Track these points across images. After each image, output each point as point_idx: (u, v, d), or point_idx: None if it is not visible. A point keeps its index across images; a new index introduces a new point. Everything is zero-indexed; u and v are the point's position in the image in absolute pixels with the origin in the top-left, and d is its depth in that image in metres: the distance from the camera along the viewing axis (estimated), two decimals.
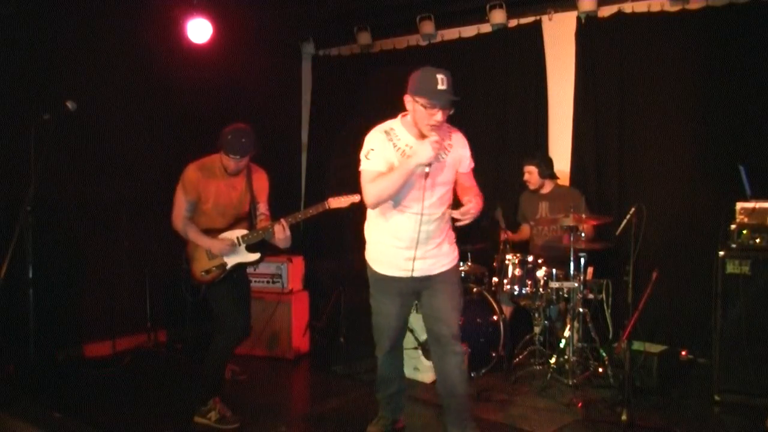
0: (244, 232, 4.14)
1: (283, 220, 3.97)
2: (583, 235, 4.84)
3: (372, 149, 3.32)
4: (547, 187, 5.42)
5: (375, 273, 3.57)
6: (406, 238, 3.37)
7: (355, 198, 3.94)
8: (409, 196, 3.32)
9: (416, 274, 3.41)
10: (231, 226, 4.16)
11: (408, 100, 3.24)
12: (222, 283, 4.11)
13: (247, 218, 4.23)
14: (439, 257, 3.49)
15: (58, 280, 5.20)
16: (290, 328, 5.53)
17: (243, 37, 6.40)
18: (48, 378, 4.78)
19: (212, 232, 4.11)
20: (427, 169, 3.17)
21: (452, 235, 3.61)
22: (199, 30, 5.66)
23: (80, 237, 5.49)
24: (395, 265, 3.46)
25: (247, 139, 3.99)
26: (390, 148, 3.30)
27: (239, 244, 4.11)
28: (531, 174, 5.38)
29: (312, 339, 5.85)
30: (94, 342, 5.49)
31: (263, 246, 4.17)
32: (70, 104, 4.13)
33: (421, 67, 3.22)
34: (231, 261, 4.12)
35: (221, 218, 4.14)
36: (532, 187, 5.43)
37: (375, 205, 3.37)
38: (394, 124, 3.39)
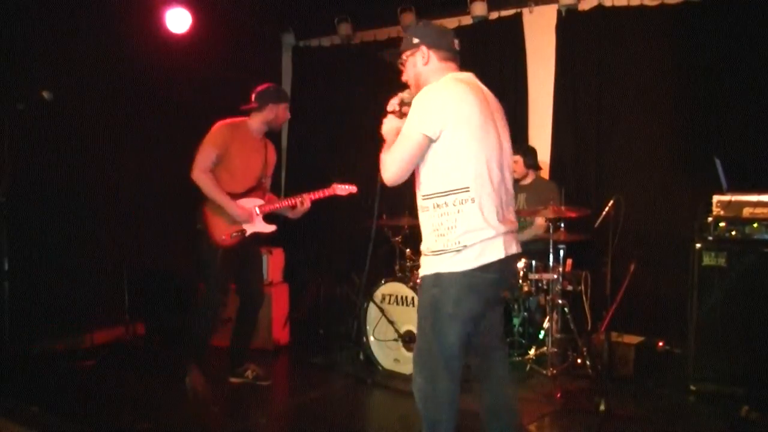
0: (260, 202, 4.34)
1: (305, 195, 4.30)
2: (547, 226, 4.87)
3: None
4: (529, 179, 5.44)
5: None
6: None
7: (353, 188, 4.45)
8: None
9: None
10: (247, 193, 4.31)
11: None
12: (232, 251, 4.23)
13: (261, 188, 4.41)
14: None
15: (35, 272, 5.12)
16: (270, 320, 5.51)
17: (222, 27, 6.33)
18: (24, 372, 4.72)
19: (230, 197, 4.24)
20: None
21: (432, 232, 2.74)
22: (178, 20, 5.61)
23: (57, 229, 5.40)
24: None
25: None
26: None
27: (257, 214, 4.31)
28: (516, 163, 5.36)
29: (292, 331, 5.84)
30: (71, 335, 5.42)
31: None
32: (46, 94, 4.09)
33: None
34: (250, 229, 4.28)
35: (243, 181, 4.29)
36: (515, 176, 5.44)
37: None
38: None
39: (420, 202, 2.74)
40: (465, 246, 2.62)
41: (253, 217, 4.28)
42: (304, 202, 4.30)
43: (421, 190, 2.74)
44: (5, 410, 3.43)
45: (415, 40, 2.82)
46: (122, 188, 5.67)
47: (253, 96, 4.33)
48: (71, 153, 5.46)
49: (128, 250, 5.70)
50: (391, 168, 2.67)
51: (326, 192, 4.38)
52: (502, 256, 2.65)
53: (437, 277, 2.68)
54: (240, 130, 4.30)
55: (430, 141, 2.62)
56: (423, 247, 2.76)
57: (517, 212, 5.35)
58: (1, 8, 4.92)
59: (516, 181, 5.45)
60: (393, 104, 2.86)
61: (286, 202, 4.35)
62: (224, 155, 4.20)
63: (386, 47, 6.75)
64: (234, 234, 4.20)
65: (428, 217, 2.71)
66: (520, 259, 2.93)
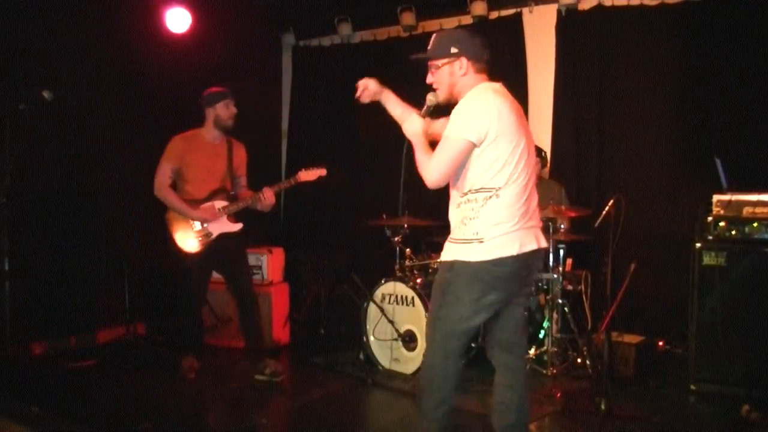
0: (224, 203, 4.45)
1: (266, 189, 4.40)
2: (562, 226, 4.87)
3: None
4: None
5: None
6: None
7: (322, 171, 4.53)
8: None
9: None
10: (210, 197, 4.42)
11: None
12: (205, 257, 4.37)
13: (227, 191, 4.52)
14: None
15: (35, 272, 5.12)
16: (270, 319, 5.51)
17: (222, 27, 6.33)
18: (24, 372, 4.72)
19: (193, 204, 4.36)
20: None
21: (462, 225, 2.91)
22: (178, 19, 5.63)
23: (57, 229, 5.41)
24: None
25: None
26: None
27: (220, 214, 4.41)
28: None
29: (292, 331, 5.83)
30: (71, 335, 5.43)
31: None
32: (46, 94, 4.09)
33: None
34: (216, 231, 4.39)
35: (205, 186, 4.40)
36: None
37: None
38: None
39: (455, 199, 2.93)
40: (482, 239, 2.80)
41: (215, 216, 4.40)
42: (265, 196, 4.41)
43: (459, 188, 2.90)
44: (5, 410, 3.42)
45: (454, 50, 2.93)
46: (122, 188, 5.68)
47: None
48: (71, 153, 5.47)
49: (128, 250, 5.70)
50: (435, 172, 2.82)
51: (292, 181, 4.50)
52: (515, 252, 2.80)
53: (452, 263, 2.88)
54: (193, 140, 4.46)
55: (473, 146, 2.79)
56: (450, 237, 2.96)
57: None
58: (1, 8, 4.92)
59: None
60: (429, 102, 3.01)
61: (248, 199, 4.46)
62: (181, 167, 4.40)
63: (386, 47, 6.79)
64: (200, 238, 4.37)
65: (460, 211, 2.90)
66: (541, 255, 3.03)
